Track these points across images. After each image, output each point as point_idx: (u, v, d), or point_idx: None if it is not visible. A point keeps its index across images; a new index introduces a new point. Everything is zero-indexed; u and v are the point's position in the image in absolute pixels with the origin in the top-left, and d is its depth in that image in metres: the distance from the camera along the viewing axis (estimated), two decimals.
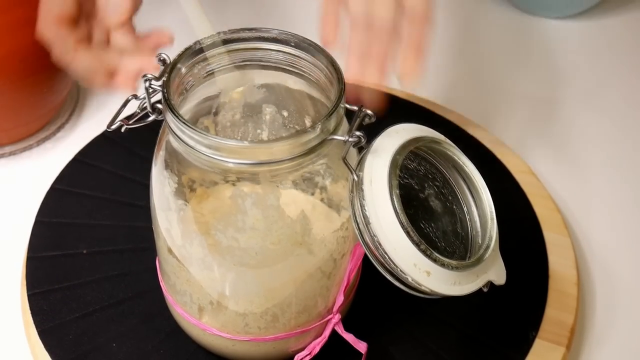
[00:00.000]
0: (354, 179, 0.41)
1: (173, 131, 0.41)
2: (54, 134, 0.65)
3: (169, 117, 0.41)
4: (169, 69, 0.42)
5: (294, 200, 0.44)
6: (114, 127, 0.43)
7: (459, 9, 0.78)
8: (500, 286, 0.54)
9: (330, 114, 0.40)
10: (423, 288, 0.40)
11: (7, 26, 0.56)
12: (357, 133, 0.41)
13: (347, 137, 0.42)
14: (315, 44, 0.44)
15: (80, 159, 0.61)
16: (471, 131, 0.64)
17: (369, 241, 0.40)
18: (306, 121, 0.47)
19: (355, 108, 0.42)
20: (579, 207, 0.61)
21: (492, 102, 0.69)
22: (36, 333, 0.51)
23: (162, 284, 0.50)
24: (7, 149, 0.64)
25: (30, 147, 0.65)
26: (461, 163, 0.43)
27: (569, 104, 0.70)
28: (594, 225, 0.60)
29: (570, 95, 0.71)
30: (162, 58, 0.43)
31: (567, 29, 0.76)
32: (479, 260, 0.41)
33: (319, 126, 0.40)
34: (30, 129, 0.64)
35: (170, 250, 0.46)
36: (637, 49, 0.74)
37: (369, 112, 0.42)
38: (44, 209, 0.58)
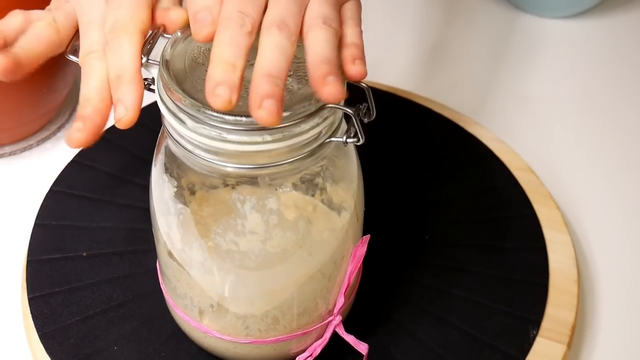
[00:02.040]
0: None
1: (171, 135, 0.41)
2: (54, 133, 0.65)
3: (167, 122, 0.41)
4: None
5: (293, 203, 0.44)
6: None
7: (458, 8, 0.78)
8: (502, 285, 0.54)
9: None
10: None
11: None
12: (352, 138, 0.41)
13: (345, 138, 0.42)
14: None
15: (79, 161, 0.61)
16: (470, 129, 0.64)
17: None
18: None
19: (350, 111, 0.41)
20: (578, 205, 0.61)
21: (492, 101, 0.69)
22: (37, 337, 0.51)
23: (162, 286, 0.50)
24: (7, 149, 0.64)
25: (30, 147, 0.65)
26: None
27: (568, 104, 0.70)
28: (594, 223, 0.60)
29: (569, 94, 0.71)
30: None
31: (567, 29, 0.76)
32: None
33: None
34: (30, 128, 0.64)
35: (170, 254, 0.46)
36: (637, 48, 0.74)
37: (362, 106, 0.42)
38: (43, 212, 0.58)
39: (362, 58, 0.41)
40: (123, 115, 0.40)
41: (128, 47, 0.41)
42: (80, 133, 0.41)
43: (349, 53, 0.40)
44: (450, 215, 0.58)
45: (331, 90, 0.37)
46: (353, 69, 0.40)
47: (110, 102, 0.42)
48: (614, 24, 0.76)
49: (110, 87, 0.41)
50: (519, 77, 0.72)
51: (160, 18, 0.43)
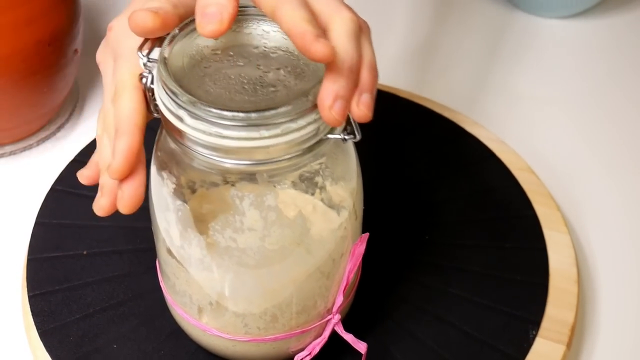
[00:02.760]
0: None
1: (169, 132, 0.42)
2: (54, 133, 0.66)
3: (165, 119, 0.41)
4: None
5: (292, 201, 0.44)
6: None
7: (458, 9, 0.78)
8: (502, 285, 0.54)
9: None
10: None
11: (9, 26, 0.56)
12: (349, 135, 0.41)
13: (343, 135, 0.42)
14: None
15: (80, 160, 0.61)
16: (470, 129, 0.64)
17: None
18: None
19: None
20: (578, 205, 0.61)
21: (492, 101, 0.69)
22: (37, 335, 0.51)
23: (161, 284, 0.50)
24: (8, 149, 0.64)
25: (30, 147, 0.65)
26: None
27: (568, 104, 0.70)
28: (594, 223, 0.60)
29: (570, 94, 0.71)
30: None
31: (567, 29, 0.76)
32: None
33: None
34: (30, 128, 0.64)
35: (169, 251, 0.46)
36: (638, 48, 0.74)
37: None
38: (44, 210, 0.58)
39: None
40: (110, 163, 0.40)
41: (126, 104, 0.41)
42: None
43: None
44: (450, 215, 0.58)
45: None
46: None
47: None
48: (614, 23, 0.76)
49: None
50: (519, 77, 0.72)
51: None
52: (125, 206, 0.41)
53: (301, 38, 0.37)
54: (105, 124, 0.43)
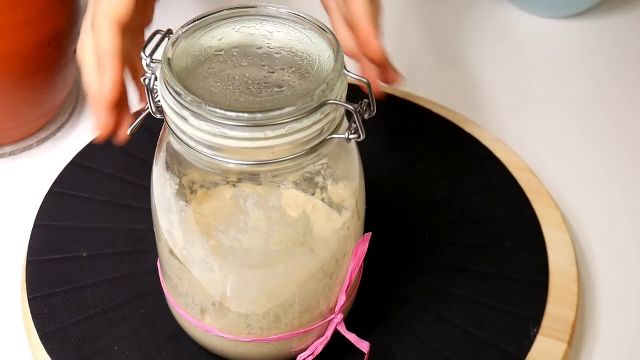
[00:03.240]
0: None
1: (173, 132, 0.42)
2: (54, 133, 0.66)
3: (169, 119, 0.41)
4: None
5: (295, 201, 0.44)
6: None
7: (457, 8, 0.79)
8: (502, 284, 0.54)
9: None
10: None
11: (8, 26, 0.56)
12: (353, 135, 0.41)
13: (347, 135, 0.42)
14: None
15: (78, 162, 0.61)
16: (469, 129, 0.64)
17: None
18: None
19: (351, 107, 0.41)
20: (577, 204, 0.62)
21: (491, 101, 0.69)
22: (37, 337, 0.51)
23: (163, 285, 0.50)
24: (7, 149, 0.64)
25: (30, 147, 0.65)
26: None
27: (567, 103, 0.70)
28: (593, 221, 0.61)
29: (569, 94, 0.71)
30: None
31: (567, 29, 0.76)
32: None
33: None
34: (30, 128, 0.64)
35: (171, 252, 0.46)
36: (637, 49, 0.75)
37: (362, 102, 0.42)
38: (43, 212, 0.58)
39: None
40: (101, 96, 0.45)
41: (105, 34, 0.45)
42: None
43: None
44: (450, 214, 0.59)
45: None
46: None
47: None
48: (614, 24, 0.76)
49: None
50: (519, 77, 0.72)
51: None
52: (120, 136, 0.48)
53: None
54: (84, 49, 0.47)
